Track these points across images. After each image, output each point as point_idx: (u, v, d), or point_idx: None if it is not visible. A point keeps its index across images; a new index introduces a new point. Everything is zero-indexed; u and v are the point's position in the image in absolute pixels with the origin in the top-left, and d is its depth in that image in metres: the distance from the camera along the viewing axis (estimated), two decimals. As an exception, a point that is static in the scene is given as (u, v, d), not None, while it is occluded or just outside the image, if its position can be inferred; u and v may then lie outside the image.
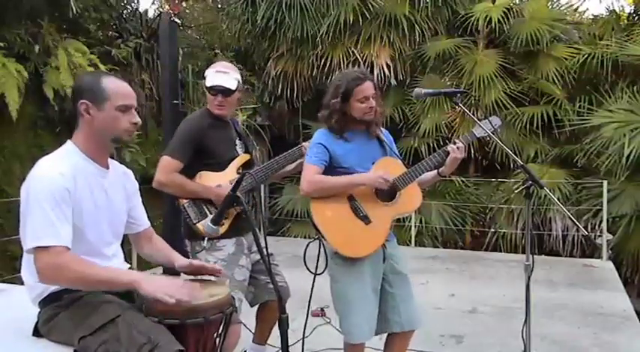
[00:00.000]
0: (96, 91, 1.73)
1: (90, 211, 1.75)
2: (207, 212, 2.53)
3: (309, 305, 2.42)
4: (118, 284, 1.66)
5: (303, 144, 2.71)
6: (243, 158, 2.66)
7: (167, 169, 2.49)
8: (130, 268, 1.96)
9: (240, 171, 2.60)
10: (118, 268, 1.82)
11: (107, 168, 1.86)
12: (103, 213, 1.81)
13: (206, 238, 2.50)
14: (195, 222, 2.52)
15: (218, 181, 2.54)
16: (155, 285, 1.61)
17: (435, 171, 2.50)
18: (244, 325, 2.60)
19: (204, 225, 2.46)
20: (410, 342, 2.54)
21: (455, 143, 2.41)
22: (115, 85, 1.76)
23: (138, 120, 1.81)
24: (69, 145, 1.79)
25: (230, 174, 2.57)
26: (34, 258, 1.62)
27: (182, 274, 1.95)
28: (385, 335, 2.51)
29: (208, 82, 2.56)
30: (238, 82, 2.59)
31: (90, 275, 1.64)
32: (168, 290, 1.61)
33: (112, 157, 1.94)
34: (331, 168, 2.39)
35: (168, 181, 2.49)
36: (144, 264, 2.96)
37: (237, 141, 2.69)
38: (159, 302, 1.58)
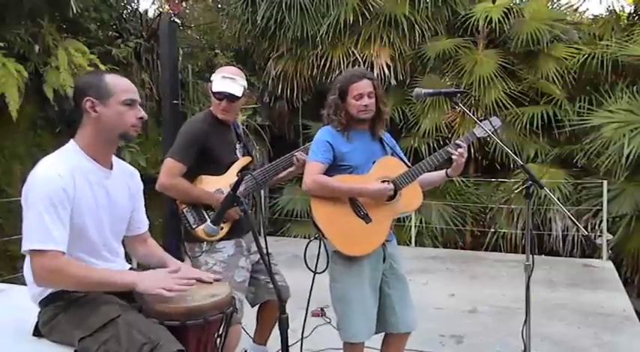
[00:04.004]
0: (100, 88, 1.74)
1: (91, 210, 1.75)
2: (207, 217, 2.50)
3: (308, 303, 2.41)
4: (115, 285, 1.67)
5: (295, 153, 2.69)
6: (244, 161, 2.64)
7: (171, 172, 2.47)
8: (130, 268, 1.95)
9: (240, 174, 2.59)
10: (113, 269, 1.80)
11: (110, 167, 1.85)
12: (105, 213, 1.80)
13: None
14: (194, 226, 2.51)
15: (218, 185, 2.52)
16: (150, 281, 1.66)
17: (444, 172, 2.53)
18: (243, 329, 2.60)
19: (204, 226, 2.45)
20: (409, 342, 2.54)
21: (457, 145, 2.42)
22: (117, 81, 1.78)
23: (144, 114, 1.81)
24: (70, 145, 1.79)
25: (230, 177, 2.52)
26: (30, 260, 1.63)
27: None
28: (384, 334, 2.51)
29: (214, 87, 2.53)
30: (244, 88, 2.58)
31: (86, 277, 1.65)
32: (163, 283, 1.65)
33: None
34: (334, 165, 2.39)
35: (172, 185, 2.47)
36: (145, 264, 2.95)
37: (237, 145, 2.67)
38: (158, 303, 1.58)
